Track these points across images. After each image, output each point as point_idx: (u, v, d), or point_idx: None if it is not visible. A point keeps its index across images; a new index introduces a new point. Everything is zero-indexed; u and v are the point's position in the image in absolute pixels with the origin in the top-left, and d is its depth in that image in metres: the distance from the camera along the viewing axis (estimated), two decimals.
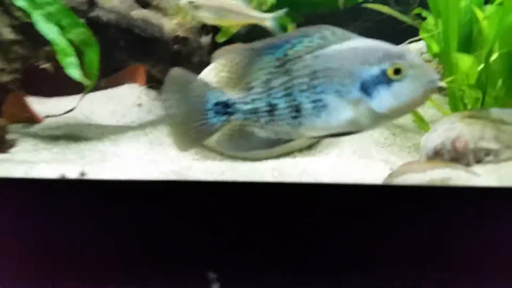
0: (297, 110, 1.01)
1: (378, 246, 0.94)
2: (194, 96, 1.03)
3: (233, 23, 1.42)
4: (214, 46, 1.76)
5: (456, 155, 1.14)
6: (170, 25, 1.55)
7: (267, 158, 1.50)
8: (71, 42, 1.14)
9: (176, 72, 1.02)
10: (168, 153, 1.44)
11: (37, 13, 1.09)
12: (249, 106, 1.03)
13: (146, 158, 1.34)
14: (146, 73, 1.71)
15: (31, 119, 1.56)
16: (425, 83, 0.95)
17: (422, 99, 0.97)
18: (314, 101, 1.01)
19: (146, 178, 0.99)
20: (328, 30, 1.00)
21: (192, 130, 1.03)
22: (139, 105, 1.78)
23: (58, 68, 1.44)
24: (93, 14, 1.37)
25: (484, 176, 1.02)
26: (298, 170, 1.33)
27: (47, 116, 1.49)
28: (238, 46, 1.06)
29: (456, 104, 1.37)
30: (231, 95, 1.04)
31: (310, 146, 1.57)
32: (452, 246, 0.92)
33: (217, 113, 1.03)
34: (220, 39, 1.60)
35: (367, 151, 1.49)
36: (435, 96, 1.85)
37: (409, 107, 0.98)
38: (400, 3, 1.79)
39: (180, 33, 1.57)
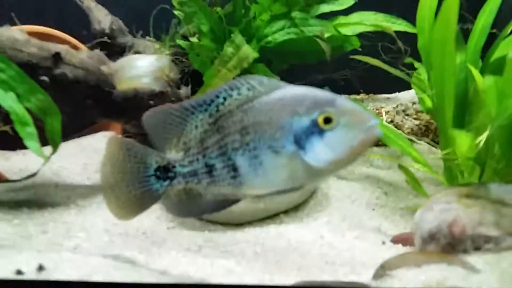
0: (234, 170, 0.95)
1: None
2: (135, 162, 0.99)
3: None
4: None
5: (452, 241, 1.04)
6: (145, 80, 1.45)
7: (251, 221, 1.40)
8: (29, 110, 1.02)
9: (114, 140, 0.98)
10: (143, 220, 1.33)
11: None
12: (187, 169, 0.99)
13: (115, 231, 1.22)
14: (120, 127, 1.61)
15: None
16: (361, 131, 0.88)
17: (361, 149, 0.89)
18: (249, 159, 0.95)
19: (109, 280, 0.88)
20: (255, 80, 0.95)
21: (135, 198, 0.98)
22: None
23: None
24: (59, 71, 1.26)
25: (483, 272, 0.93)
26: (283, 243, 1.23)
27: (7, 181, 1.36)
28: (167, 106, 1.00)
29: (452, 175, 1.28)
30: (171, 158, 0.99)
31: (297, 208, 1.47)
32: None
33: (159, 178, 0.99)
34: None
35: (358, 217, 1.39)
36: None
37: (348, 158, 0.91)
38: (391, 52, 1.72)
39: (157, 87, 1.46)
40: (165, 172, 0.99)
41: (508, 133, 1.15)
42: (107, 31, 1.76)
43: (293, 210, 1.46)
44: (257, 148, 0.93)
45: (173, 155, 1.00)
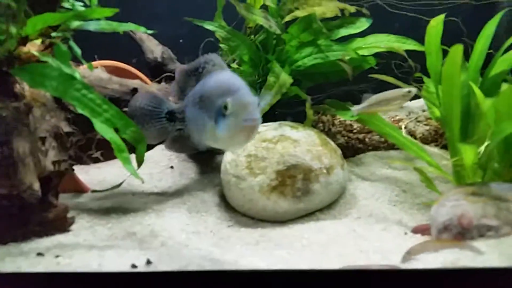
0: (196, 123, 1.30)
1: None
2: (153, 107, 1.36)
3: None
4: None
5: (462, 230, 1.32)
6: None
7: (293, 218, 1.68)
8: (125, 140, 1.31)
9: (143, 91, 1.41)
10: (207, 220, 1.62)
11: (97, 120, 1.26)
12: (180, 116, 1.36)
13: (189, 230, 1.52)
14: None
15: (80, 190, 1.74)
16: (242, 121, 1.15)
17: (243, 136, 1.19)
18: (196, 118, 1.28)
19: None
20: (216, 59, 1.32)
21: (155, 131, 1.39)
22: (171, 167, 1.96)
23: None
24: None
25: (487, 254, 1.21)
26: (323, 236, 1.51)
27: (95, 191, 1.66)
28: (182, 68, 1.41)
29: (459, 176, 1.56)
30: (177, 106, 1.36)
31: (329, 206, 1.75)
32: None
33: (168, 120, 1.37)
34: None
35: (383, 212, 1.67)
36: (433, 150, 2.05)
37: (239, 138, 1.21)
38: (401, 67, 1.99)
39: None
40: (172, 115, 1.35)
41: (504, 143, 1.43)
42: (159, 59, 2.05)
43: (327, 208, 1.74)
44: (205, 113, 1.24)
45: (179, 104, 1.37)
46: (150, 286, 1.13)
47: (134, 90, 1.57)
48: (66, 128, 1.45)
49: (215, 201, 1.75)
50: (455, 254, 1.21)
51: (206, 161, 2.03)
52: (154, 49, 2.10)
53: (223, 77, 1.27)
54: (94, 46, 1.61)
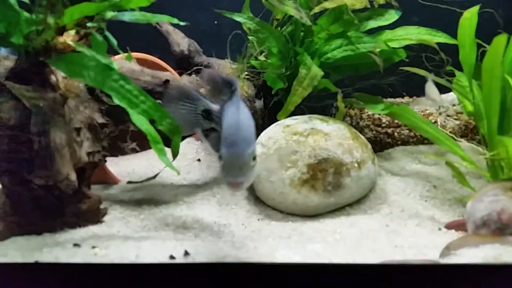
0: None
1: None
2: (190, 104, 1.33)
3: None
4: (265, 108, 1.95)
5: (501, 226, 1.29)
6: None
7: (322, 213, 1.66)
8: (160, 131, 1.31)
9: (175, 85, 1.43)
10: (237, 213, 1.62)
11: (134, 111, 1.26)
12: (214, 116, 1.32)
13: (220, 223, 1.51)
14: None
15: (111, 181, 1.74)
16: (228, 176, 1.08)
17: (229, 188, 1.10)
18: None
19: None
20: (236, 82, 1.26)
21: (189, 126, 1.33)
22: (199, 160, 1.95)
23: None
24: None
25: None
26: (356, 231, 1.49)
27: (130, 182, 1.66)
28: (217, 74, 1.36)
29: (495, 171, 1.52)
30: (213, 106, 1.32)
31: (359, 201, 1.73)
32: None
33: (204, 117, 1.33)
34: (281, 117, 1.77)
35: (414, 208, 1.65)
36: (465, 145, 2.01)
37: None
38: (432, 61, 1.95)
39: None
40: (207, 114, 1.33)
41: None
42: (186, 52, 2.04)
43: (356, 203, 1.72)
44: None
45: (215, 105, 1.34)
46: (189, 277, 1.12)
47: (166, 82, 1.56)
48: (99, 119, 1.45)
49: (244, 194, 1.74)
50: (496, 249, 1.18)
51: None
52: (181, 41, 2.09)
53: (240, 121, 1.16)
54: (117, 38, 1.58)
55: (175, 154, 1.41)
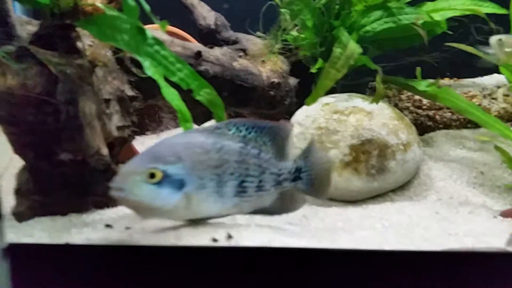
0: None
1: None
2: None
3: None
4: (299, 87, 1.82)
5: None
6: (265, 72, 1.60)
7: (364, 199, 1.55)
8: (200, 102, 1.18)
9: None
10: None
11: (165, 84, 1.13)
12: None
13: None
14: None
15: None
16: None
17: None
18: None
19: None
20: None
21: None
22: None
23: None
24: (202, 68, 1.41)
25: None
26: (405, 218, 1.38)
27: None
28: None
29: None
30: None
31: (403, 187, 1.61)
32: None
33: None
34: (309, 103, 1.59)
35: (464, 194, 1.53)
36: None
37: None
38: (482, 32, 1.81)
39: (275, 79, 1.61)
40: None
41: None
42: (213, 26, 1.91)
43: (400, 189, 1.60)
44: None
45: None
46: (232, 261, 1.02)
47: (198, 54, 1.44)
48: (129, 92, 1.33)
49: None
50: None
51: None
52: (207, 15, 1.95)
53: (169, 139, 1.08)
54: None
55: None
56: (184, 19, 1.95)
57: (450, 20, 1.87)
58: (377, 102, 1.68)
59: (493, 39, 1.62)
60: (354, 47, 1.64)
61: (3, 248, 0.81)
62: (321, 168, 1.18)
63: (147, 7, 1.25)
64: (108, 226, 1.10)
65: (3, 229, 0.82)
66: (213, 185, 1.05)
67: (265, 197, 1.14)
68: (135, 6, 1.21)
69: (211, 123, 1.28)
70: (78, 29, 1.21)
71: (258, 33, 1.84)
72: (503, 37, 1.62)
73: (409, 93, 1.92)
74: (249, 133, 1.10)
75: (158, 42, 1.13)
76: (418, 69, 1.74)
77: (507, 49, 1.62)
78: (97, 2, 1.20)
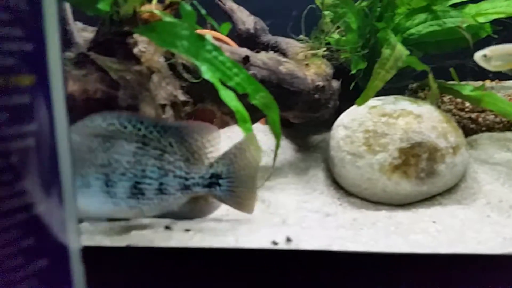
0: None
1: None
2: None
3: None
4: (342, 90, 1.82)
5: None
6: (310, 75, 1.60)
7: (411, 202, 1.53)
8: (255, 106, 1.20)
9: None
10: (319, 199, 1.51)
11: (222, 87, 1.15)
12: None
13: (303, 208, 1.40)
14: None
15: None
16: None
17: None
18: None
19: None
20: None
21: None
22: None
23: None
24: (251, 72, 1.43)
25: None
26: (457, 222, 1.36)
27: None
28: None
29: None
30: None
31: (450, 191, 1.59)
32: None
33: None
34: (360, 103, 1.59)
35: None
36: None
37: None
38: None
39: (320, 82, 1.61)
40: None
41: None
42: (252, 30, 1.92)
43: (447, 192, 1.58)
44: None
45: None
46: (292, 264, 1.02)
47: (246, 58, 1.46)
48: (181, 97, 1.36)
49: (322, 180, 1.62)
50: None
51: (302, 139, 1.91)
52: (246, 19, 1.97)
53: None
54: None
55: (276, 134, 1.29)
56: (219, 23, 1.98)
57: (493, 22, 1.85)
58: (432, 102, 1.67)
59: (477, 55, 1.56)
60: (402, 50, 1.63)
61: (80, 249, 0.83)
62: (246, 176, 1.12)
63: (203, 10, 1.27)
64: (167, 228, 1.12)
65: (79, 229, 0.84)
66: (100, 184, 1.03)
67: (170, 200, 1.10)
68: (192, 11, 1.23)
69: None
70: (135, 35, 1.24)
71: (301, 36, 1.85)
72: (486, 51, 1.55)
73: (451, 96, 1.90)
74: (150, 132, 1.05)
75: (216, 48, 1.15)
76: (453, 71, 1.73)
77: (494, 63, 1.55)
78: (153, 9, 1.22)
